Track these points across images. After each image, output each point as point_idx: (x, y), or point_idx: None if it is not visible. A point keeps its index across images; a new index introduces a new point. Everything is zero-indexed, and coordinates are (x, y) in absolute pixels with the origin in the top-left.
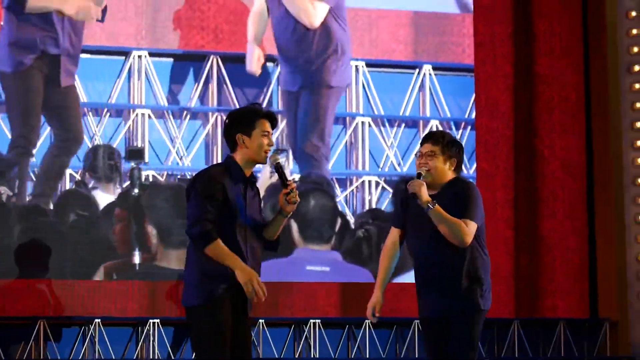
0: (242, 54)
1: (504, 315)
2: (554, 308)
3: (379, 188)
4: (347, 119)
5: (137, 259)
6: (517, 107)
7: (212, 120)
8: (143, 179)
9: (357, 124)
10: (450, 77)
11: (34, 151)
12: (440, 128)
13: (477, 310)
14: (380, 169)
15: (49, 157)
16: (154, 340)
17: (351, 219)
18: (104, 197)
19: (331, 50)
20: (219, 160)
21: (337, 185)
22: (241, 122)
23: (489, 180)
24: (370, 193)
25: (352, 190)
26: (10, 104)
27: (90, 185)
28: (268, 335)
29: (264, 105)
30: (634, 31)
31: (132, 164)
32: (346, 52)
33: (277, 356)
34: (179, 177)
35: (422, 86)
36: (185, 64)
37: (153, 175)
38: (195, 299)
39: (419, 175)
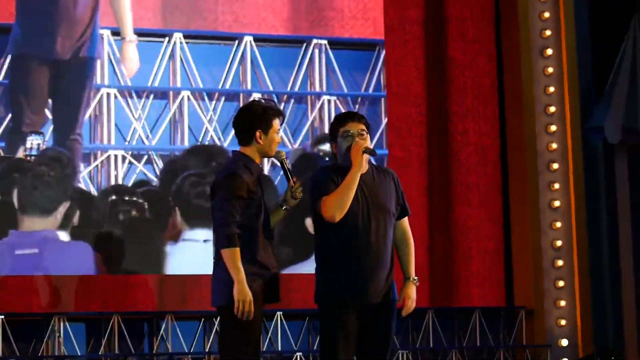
0: None
1: (418, 305)
2: (469, 296)
3: (126, 162)
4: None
5: None
6: (429, 92)
7: None
8: None
9: (102, 95)
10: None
11: None
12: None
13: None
14: (127, 143)
15: None
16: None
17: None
18: None
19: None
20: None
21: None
22: (262, 119)
23: (401, 167)
24: (116, 168)
25: (97, 166)
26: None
27: None
28: (177, 330)
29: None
30: (546, 14)
31: None
32: None
33: (186, 350)
34: None
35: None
36: None
37: None
38: (227, 299)
39: (371, 151)
